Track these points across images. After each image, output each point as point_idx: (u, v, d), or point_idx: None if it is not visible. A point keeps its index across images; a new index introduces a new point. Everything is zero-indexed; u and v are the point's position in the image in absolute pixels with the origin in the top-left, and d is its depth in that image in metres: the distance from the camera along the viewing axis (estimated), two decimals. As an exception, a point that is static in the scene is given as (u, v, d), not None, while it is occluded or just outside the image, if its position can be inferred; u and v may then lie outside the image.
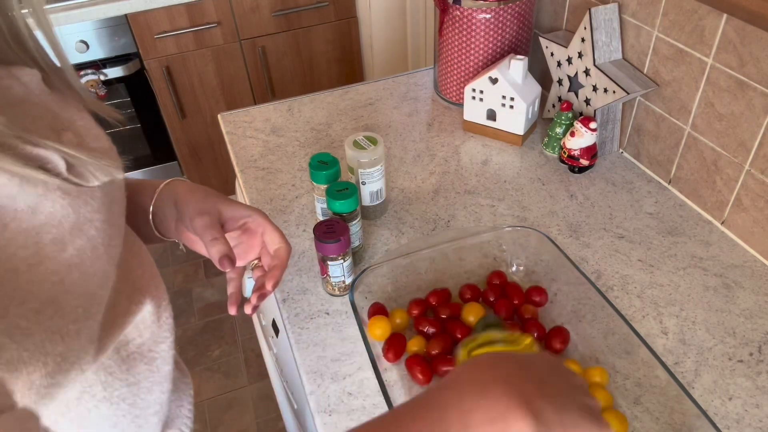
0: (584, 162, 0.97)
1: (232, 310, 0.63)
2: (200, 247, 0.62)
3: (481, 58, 1.09)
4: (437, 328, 0.73)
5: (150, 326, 0.52)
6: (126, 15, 1.80)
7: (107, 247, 0.43)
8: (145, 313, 0.51)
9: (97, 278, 0.42)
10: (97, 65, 1.86)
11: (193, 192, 0.61)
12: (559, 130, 1.01)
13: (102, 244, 0.43)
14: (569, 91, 1.03)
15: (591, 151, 0.96)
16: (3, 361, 0.35)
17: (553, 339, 0.71)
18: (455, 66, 1.13)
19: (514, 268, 0.82)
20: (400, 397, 0.68)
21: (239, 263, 0.65)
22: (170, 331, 0.57)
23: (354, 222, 0.81)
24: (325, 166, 0.82)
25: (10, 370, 0.35)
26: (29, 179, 0.37)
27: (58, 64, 0.48)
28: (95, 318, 0.42)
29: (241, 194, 1.06)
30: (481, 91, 1.03)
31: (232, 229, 0.62)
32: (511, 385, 0.40)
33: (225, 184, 2.26)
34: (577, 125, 0.95)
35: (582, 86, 0.99)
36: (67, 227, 0.40)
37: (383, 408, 0.68)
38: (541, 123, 1.11)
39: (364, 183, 0.87)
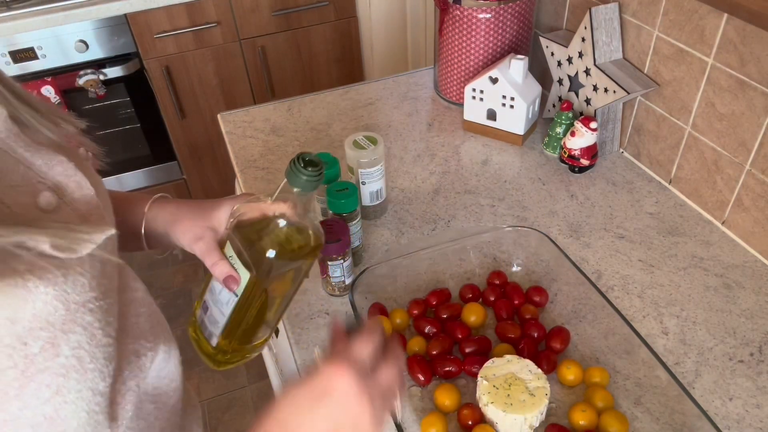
0: (585, 162, 0.97)
1: None
2: None
3: (481, 57, 1.09)
4: (437, 328, 0.73)
5: (156, 368, 0.50)
6: (125, 15, 1.80)
7: (105, 326, 0.39)
8: (150, 360, 0.48)
9: (98, 369, 0.39)
10: (97, 65, 1.86)
11: (180, 217, 0.59)
12: (559, 129, 1.00)
13: (99, 327, 0.39)
14: (569, 90, 1.03)
15: (591, 151, 0.96)
16: None
17: (554, 339, 0.71)
18: (455, 66, 1.13)
19: (514, 268, 0.82)
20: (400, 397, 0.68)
21: None
22: (176, 361, 0.55)
23: (354, 222, 0.81)
24: (325, 166, 0.82)
25: None
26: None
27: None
28: (101, 407, 0.39)
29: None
30: (482, 91, 1.03)
31: None
32: None
33: (225, 184, 2.26)
34: (578, 125, 0.94)
35: (582, 86, 0.99)
36: (58, 324, 0.35)
37: (383, 408, 0.68)
38: (542, 123, 1.11)
39: (364, 183, 0.87)
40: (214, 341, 0.57)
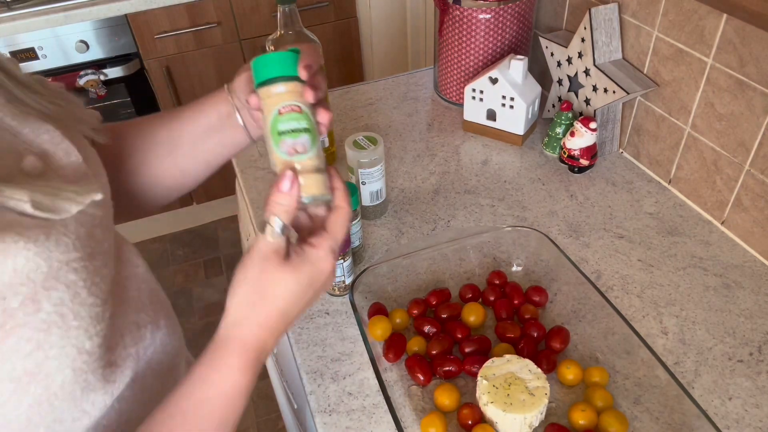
0: (584, 162, 0.97)
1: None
2: None
3: (481, 58, 1.09)
4: (437, 328, 0.74)
5: (158, 342, 0.51)
6: (126, 15, 1.80)
7: (91, 286, 0.39)
8: (150, 331, 0.49)
9: (83, 328, 0.39)
10: (97, 65, 1.86)
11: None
12: (559, 130, 1.01)
13: (84, 287, 0.39)
14: (569, 91, 1.03)
15: (591, 151, 0.96)
16: None
17: (553, 339, 0.71)
18: (455, 66, 1.13)
19: (514, 268, 0.82)
20: (400, 397, 0.68)
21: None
22: (179, 339, 0.56)
23: (354, 222, 0.81)
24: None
25: None
26: None
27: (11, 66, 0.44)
28: (88, 368, 0.40)
29: (241, 195, 1.06)
30: (481, 91, 1.03)
31: None
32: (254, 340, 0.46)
33: (225, 184, 2.26)
34: (577, 125, 0.95)
35: (582, 86, 0.99)
36: (39, 281, 0.36)
37: (383, 408, 0.68)
38: (541, 123, 1.11)
39: (364, 183, 0.87)
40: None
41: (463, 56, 1.10)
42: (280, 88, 0.48)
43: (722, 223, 0.87)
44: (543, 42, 1.06)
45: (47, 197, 0.37)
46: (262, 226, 0.46)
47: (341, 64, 2.17)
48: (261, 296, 0.45)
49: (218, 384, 0.44)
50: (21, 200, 0.35)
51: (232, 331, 0.45)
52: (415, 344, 0.72)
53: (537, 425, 0.64)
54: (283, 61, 0.49)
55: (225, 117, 0.59)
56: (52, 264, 0.36)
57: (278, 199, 0.46)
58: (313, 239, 0.48)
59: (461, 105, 1.15)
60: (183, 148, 0.60)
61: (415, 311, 0.76)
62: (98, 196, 0.41)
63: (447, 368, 0.69)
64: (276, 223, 0.46)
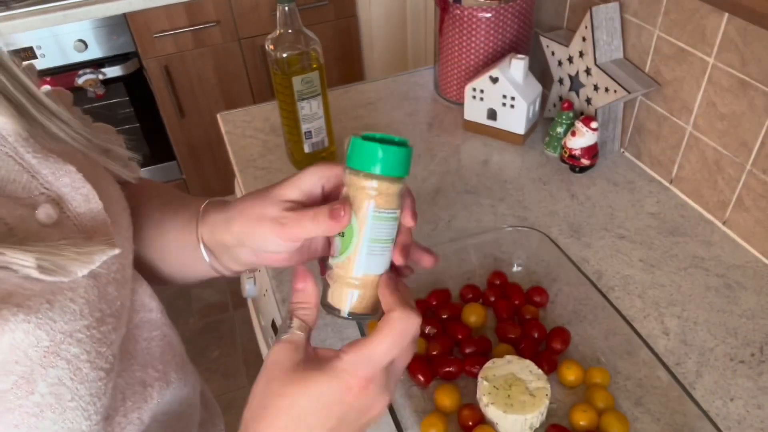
0: (585, 162, 0.96)
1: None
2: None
3: (481, 57, 1.09)
4: (438, 329, 0.73)
5: (167, 399, 0.46)
6: (125, 14, 1.79)
7: (96, 358, 0.35)
8: (157, 390, 0.44)
9: (81, 408, 0.35)
10: (96, 65, 1.85)
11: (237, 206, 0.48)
12: (560, 129, 1.00)
13: (87, 360, 0.35)
14: (570, 90, 1.03)
15: (592, 151, 0.96)
16: None
17: (554, 340, 0.71)
18: (455, 65, 1.12)
19: (514, 269, 0.82)
20: (400, 397, 0.68)
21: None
22: (193, 386, 0.51)
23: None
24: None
25: None
26: None
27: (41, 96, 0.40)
28: None
29: (241, 194, 1.05)
30: (482, 91, 1.03)
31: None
32: None
33: (224, 184, 2.25)
34: (578, 125, 0.94)
35: (583, 85, 0.99)
36: (37, 358, 0.32)
37: (383, 409, 0.67)
38: (542, 122, 1.11)
39: (364, 183, 0.87)
40: None
41: (464, 55, 1.10)
42: (395, 186, 0.41)
43: (724, 223, 0.87)
44: (544, 41, 1.05)
45: (54, 258, 0.34)
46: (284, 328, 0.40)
47: (341, 64, 2.17)
48: (264, 410, 0.38)
49: None
50: (26, 265, 0.32)
51: None
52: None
53: (538, 426, 0.63)
54: (408, 158, 0.42)
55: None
56: (55, 337, 0.33)
57: (299, 298, 0.40)
58: (346, 347, 0.38)
59: (462, 104, 1.14)
60: (170, 256, 0.53)
61: (415, 311, 0.75)
62: (113, 252, 0.37)
63: (447, 369, 0.68)
64: (295, 324, 0.40)
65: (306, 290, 0.41)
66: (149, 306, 0.46)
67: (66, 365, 0.33)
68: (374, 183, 0.41)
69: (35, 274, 0.32)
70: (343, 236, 0.42)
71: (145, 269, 0.51)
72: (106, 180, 0.44)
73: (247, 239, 0.46)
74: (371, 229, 0.41)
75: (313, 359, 0.38)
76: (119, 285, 0.40)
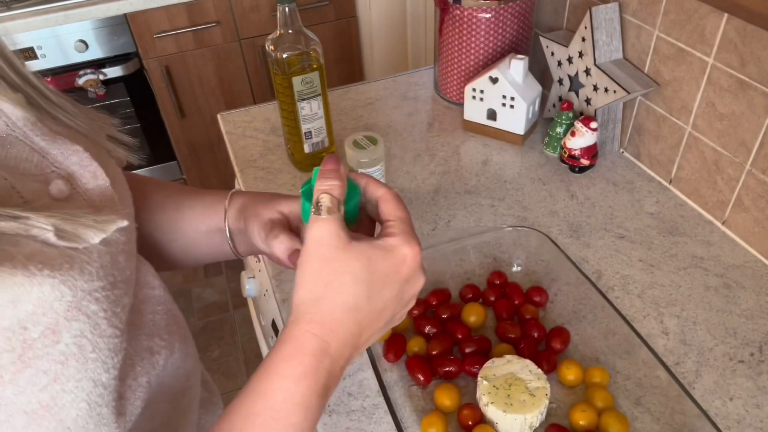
0: (585, 162, 0.97)
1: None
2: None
3: (481, 57, 1.09)
4: (437, 329, 0.73)
5: (171, 367, 0.48)
6: (125, 14, 1.80)
7: (111, 316, 0.38)
8: (164, 357, 0.47)
9: (101, 360, 0.38)
10: (97, 65, 1.86)
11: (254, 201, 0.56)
12: (559, 129, 1.00)
13: (105, 317, 0.38)
14: (570, 90, 1.03)
15: (591, 151, 0.96)
16: None
17: (554, 339, 0.71)
18: (455, 65, 1.13)
19: (514, 269, 0.82)
20: (400, 397, 0.68)
21: None
22: (194, 362, 0.53)
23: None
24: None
25: None
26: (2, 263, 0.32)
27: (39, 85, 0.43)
28: (102, 402, 0.38)
29: (241, 194, 1.05)
30: (482, 91, 1.03)
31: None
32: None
33: (225, 184, 2.25)
34: (578, 125, 0.94)
35: (582, 86, 0.99)
36: (62, 311, 0.35)
37: (383, 408, 0.68)
38: (542, 123, 1.11)
39: (364, 183, 0.87)
40: None
41: (464, 56, 1.10)
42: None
43: (723, 223, 0.87)
44: (543, 41, 1.05)
45: (71, 225, 0.36)
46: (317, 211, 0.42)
47: (341, 64, 2.17)
48: (324, 288, 0.40)
49: (267, 396, 0.40)
50: (45, 229, 0.34)
51: (287, 333, 0.41)
52: (415, 344, 0.72)
53: (537, 426, 0.63)
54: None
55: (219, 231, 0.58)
56: (76, 293, 0.35)
57: (325, 176, 0.43)
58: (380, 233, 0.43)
59: (461, 104, 1.14)
60: (183, 238, 0.59)
61: (415, 311, 0.76)
62: (123, 223, 0.39)
63: (447, 369, 0.69)
64: (325, 200, 0.41)
65: (339, 170, 0.44)
66: (152, 284, 0.48)
67: (87, 320, 0.36)
68: None
69: (53, 239, 0.35)
70: None
71: (149, 253, 0.54)
72: (109, 161, 0.46)
73: (247, 230, 0.54)
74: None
75: (357, 237, 0.42)
76: (127, 256, 0.42)
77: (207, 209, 0.58)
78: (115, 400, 0.40)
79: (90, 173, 0.41)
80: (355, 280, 0.40)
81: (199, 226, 0.58)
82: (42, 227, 0.34)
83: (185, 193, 0.60)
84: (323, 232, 0.41)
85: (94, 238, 0.37)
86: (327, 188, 0.42)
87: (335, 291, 0.40)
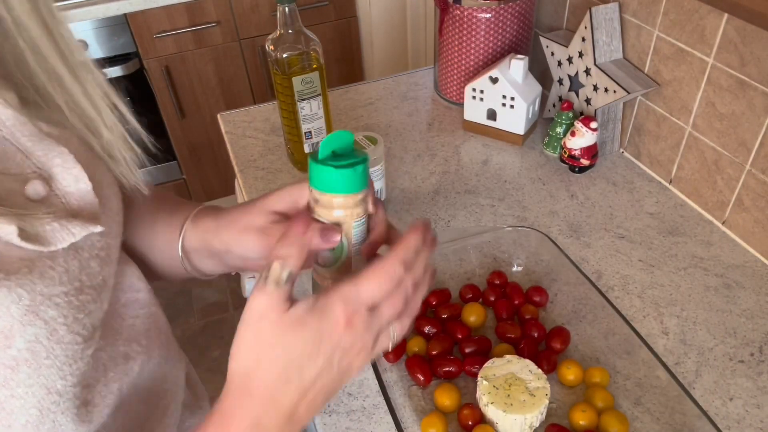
0: (585, 162, 0.97)
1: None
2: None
3: (481, 57, 1.09)
4: (437, 329, 0.73)
5: (147, 373, 0.47)
6: (125, 14, 1.80)
7: (72, 323, 0.37)
8: (139, 363, 0.46)
9: (56, 367, 0.36)
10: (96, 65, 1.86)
11: (226, 217, 0.52)
12: (559, 129, 1.00)
13: (64, 323, 0.36)
14: (570, 90, 1.03)
15: (591, 151, 0.96)
16: None
17: (554, 339, 0.71)
18: (455, 65, 1.13)
19: (514, 268, 0.82)
20: (400, 397, 0.68)
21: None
22: (176, 365, 0.52)
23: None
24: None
25: None
26: None
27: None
28: (57, 409, 0.37)
29: (241, 194, 1.05)
30: (482, 91, 1.03)
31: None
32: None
33: (225, 184, 2.25)
34: (578, 125, 0.94)
35: (582, 86, 0.99)
36: (17, 315, 0.34)
37: (383, 408, 0.68)
38: (542, 123, 1.11)
39: (364, 183, 0.87)
40: None
41: (464, 56, 1.10)
42: (361, 195, 0.44)
43: (723, 223, 0.87)
44: (543, 41, 1.05)
45: (38, 227, 0.35)
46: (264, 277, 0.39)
47: (341, 64, 2.17)
48: (256, 362, 0.39)
49: None
50: (8, 230, 0.34)
51: (220, 405, 0.40)
52: (415, 344, 0.72)
53: (537, 426, 0.63)
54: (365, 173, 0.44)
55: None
56: (34, 297, 0.35)
57: (288, 242, 0.40)
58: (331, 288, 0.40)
59: (461, 105, 1.14)
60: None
61: (415, 311, 0.76)
62: (96, 229, 0.39)
63: (447, 369, 0.69)
64: (275, 270, 0.39)
65: (304, 238, 0.41)
66: (137, 287, 0.48)
67: (44, 325, 0.35)
68: (348, 201, 0.44)
69: (16, 240, 0.34)
70: (333, 249, 0.45)
71: (137, 261, 0.53)
72: (99, 166, 0.45)
73: (235, 247, 0.50)
74: (355, 237, 0.45)
75: (298, 301, 0.40)
76: (103, 262, 0.41)
77: (176, 226, 0.54)
78: (77, 407, 0.39)
79: (72, 176, 0.41)
80: (287, 351, 0.38)
81: (174, 245, 0.54)
82: (5, 229, 0.34)
83: (165, 207, 0.56)
84: (262, 306, 0.39)
85: (62, 241, 0.37)
86: (284, 255, 0.40)
87: (266, 365, 0.39)
